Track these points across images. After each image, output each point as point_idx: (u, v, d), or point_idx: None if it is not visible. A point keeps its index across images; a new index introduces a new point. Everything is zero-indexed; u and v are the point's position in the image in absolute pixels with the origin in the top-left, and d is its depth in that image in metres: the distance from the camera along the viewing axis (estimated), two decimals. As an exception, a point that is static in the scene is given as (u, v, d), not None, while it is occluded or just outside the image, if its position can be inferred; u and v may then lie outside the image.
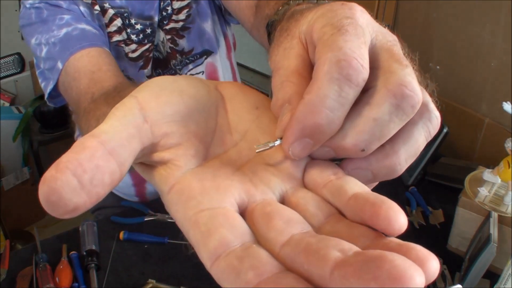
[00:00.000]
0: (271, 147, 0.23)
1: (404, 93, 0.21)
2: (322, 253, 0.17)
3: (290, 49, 0.25)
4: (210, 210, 0.20)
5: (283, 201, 0.22)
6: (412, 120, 0.22)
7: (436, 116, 0.23)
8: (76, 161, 0.18)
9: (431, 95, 0.24)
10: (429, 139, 0.23)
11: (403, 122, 0.22)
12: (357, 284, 0.15)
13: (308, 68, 0.24)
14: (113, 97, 0.58)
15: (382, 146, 0.22)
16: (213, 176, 0.22)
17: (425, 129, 0.23)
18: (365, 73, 0.21)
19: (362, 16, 0.23)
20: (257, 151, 0.23)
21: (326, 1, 0.39)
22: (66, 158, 0.18)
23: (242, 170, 0.23)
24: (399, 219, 0.18)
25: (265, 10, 0.52)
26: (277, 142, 0.23)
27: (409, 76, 0.21)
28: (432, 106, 0.23)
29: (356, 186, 0.21)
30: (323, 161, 0.24)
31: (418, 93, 0.21)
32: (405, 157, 0.23)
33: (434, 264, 0.16)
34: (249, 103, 0.26)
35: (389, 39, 0.23)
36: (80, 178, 0.18)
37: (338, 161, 0.24)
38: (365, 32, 0.22)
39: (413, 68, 0.23)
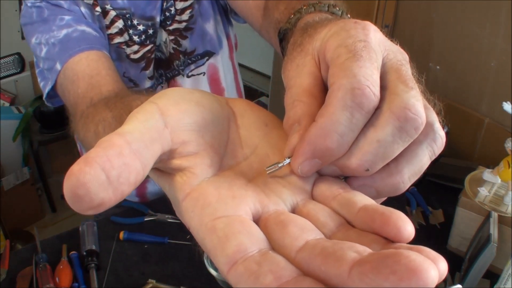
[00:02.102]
0: (280, 167, 0.24)
1: (408, 116, 0.21)
2: (339, 254, 0.17)
3: (303, 66, 0.25)
4: (227, 217, 0.20)
5: (294, 212, 0.23)
6: (416, 140, 0.23)
7: (441, 137, 0.24)
8: (105, 156, 0.18)
9: (438, 113, 0.24)
10: (433, 158, 0.24)
11: (407, 143, 0.22)
12: (376, 279, 0.16)
13: (320, 86, 0.24)
14: (114, 102, 0.58)
15: (387, 165, 0.23)
16: (229, 185, 0.22)
17: (429, 149, 0.23)
18: (376, 100, 0.22)
19: (375, 36, 0.23)
20: (268, 172, 0.24)
21: (337, 9, 0.39)
22: (95, 153, 0.18)
23: (254, 182, 0.24)
24: (408, 228, 0.19)
25: (274, 14, 0.52)
26: (286, 161, 0.24)
27: (414, 99, 0.22)
28: (438, 126, 0.24)
29: (364, 199, 0.22)
30: (331, 177, 0.24)
31: (422, 116, 0.22)
32: (408, 176, 0.23)
33: (443, 265, 0.17)
34: (259, 120, 0.27)
35: (399, 58, 0.24)
36: (109, 173, 0.18)
37: (345, 177, 0.25)
38: (377, 55, 0.23)
39: (419, 89, 0.23)
